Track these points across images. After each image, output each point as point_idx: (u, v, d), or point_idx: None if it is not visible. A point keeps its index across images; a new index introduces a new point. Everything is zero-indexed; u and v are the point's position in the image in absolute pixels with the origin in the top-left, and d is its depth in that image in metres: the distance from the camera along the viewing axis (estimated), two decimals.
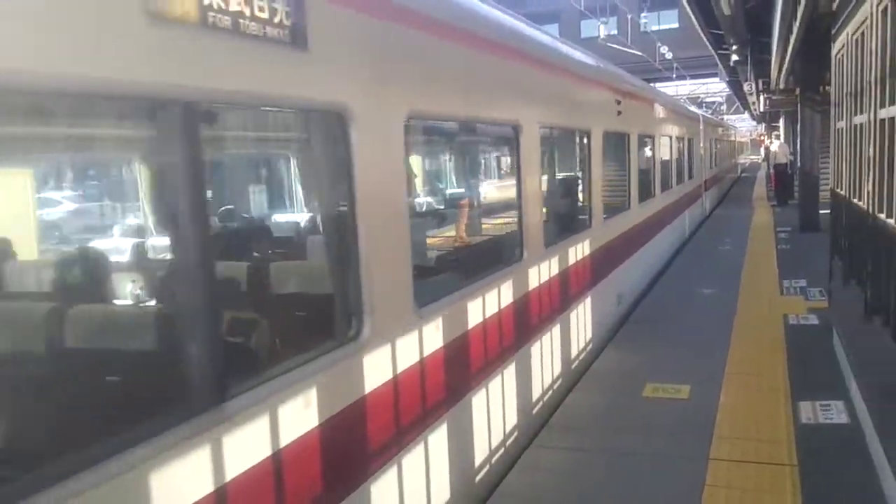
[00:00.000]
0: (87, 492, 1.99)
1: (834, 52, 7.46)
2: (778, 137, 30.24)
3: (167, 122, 2.34)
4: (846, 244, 6.04)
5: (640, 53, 27.14)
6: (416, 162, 7.44)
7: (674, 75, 35.81)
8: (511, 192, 5.48)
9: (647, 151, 11.83)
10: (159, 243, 4.59)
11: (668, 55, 28.32)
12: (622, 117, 9.25)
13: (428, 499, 3.93)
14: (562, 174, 8.33)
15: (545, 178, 6.36)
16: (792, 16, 9.31)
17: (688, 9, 15.30)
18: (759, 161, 52.71)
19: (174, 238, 2.65)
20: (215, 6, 2.39)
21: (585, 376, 6.99)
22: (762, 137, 51.99)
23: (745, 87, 29.75)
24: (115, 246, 4.61)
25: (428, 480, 3.93)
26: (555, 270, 6.19)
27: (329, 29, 3.06)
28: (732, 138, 43.69)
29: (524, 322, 5.43)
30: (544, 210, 5.96)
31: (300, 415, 2.90)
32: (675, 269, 12.69)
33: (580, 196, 8.07)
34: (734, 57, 18.71)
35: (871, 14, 4.99)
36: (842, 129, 6.60)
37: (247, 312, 3.62)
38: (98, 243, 4.70)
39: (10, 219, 4.09)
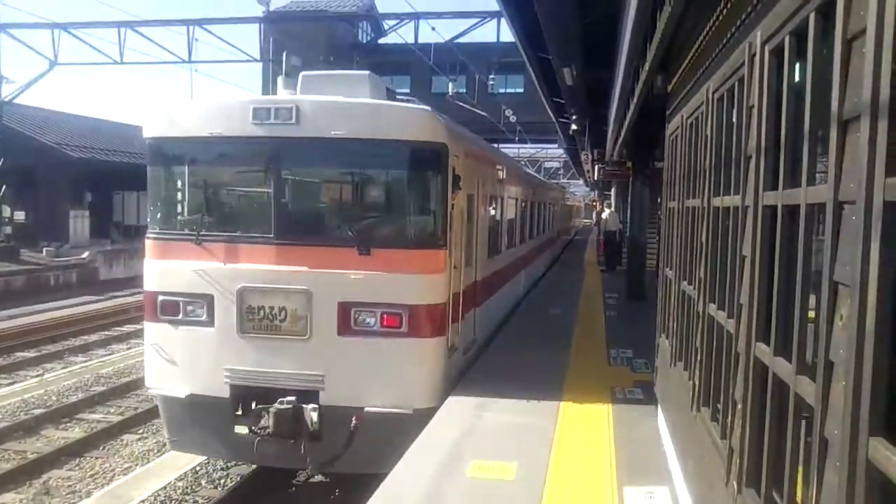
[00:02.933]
0: None
1: (668, 132, 7.61)
2: (609, 206, 31.82)
3: None
4: (675, 326, 5.99)
5: (485, 114, 27.80)
6: None
7: (516, 138, 37.05)
8: None
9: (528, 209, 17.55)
10: None
11: (513, 118, 29.21)
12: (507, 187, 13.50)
13: None
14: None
15: None
16: (630, 93, 9.58)
17: (533, 76, 15.68)
18: (591, 225, 55.75)
19: None
20: None
21: (410, 450, 6.58)
22: (595, 203, 55.00)
23: (582, 156, 31.19)
24: None
25: None
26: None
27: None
28: (572, 203, 47.79)
29: None
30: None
31: None
32: (509, 329, 12.63)
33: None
34: (573, 126, 19.42)
35: (707, 100, 4.98)
36: (674, 209, 6.66)
37: None
38: None
39: None
